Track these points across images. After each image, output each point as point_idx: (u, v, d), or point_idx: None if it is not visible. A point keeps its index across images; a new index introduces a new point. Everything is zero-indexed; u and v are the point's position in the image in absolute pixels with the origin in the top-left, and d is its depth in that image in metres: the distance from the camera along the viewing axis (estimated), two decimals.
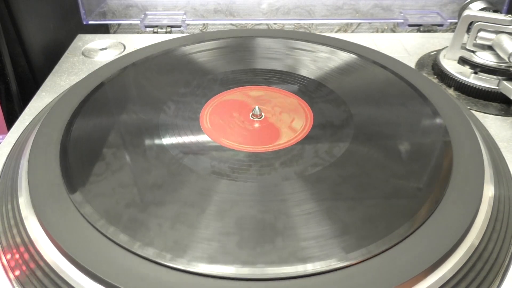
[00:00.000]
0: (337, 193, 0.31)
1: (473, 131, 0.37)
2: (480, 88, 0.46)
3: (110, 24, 0.78)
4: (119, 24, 0.79)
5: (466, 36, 0.50)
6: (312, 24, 0.79)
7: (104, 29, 0.76)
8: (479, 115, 0.44)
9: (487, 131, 0.42)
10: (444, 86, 0.49)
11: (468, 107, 0.45)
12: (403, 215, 0.29)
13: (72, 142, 0.36)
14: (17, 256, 0.29)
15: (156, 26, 0.64)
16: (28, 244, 0.29)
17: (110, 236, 0.27)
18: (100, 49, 0.57)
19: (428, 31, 0.63)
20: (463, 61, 0.49)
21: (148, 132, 0.37)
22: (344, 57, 0.48)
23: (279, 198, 0.31)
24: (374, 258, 0.26)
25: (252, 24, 0.78)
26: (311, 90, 0.43)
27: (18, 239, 0.30)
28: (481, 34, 0.48)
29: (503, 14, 0.47)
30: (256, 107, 0.39)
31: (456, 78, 0.48)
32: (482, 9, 0.50)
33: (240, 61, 0.48)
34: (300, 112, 0.40)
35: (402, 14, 0.67)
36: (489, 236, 0.30)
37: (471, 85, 0.47)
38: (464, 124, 0.38)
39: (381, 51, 0.52)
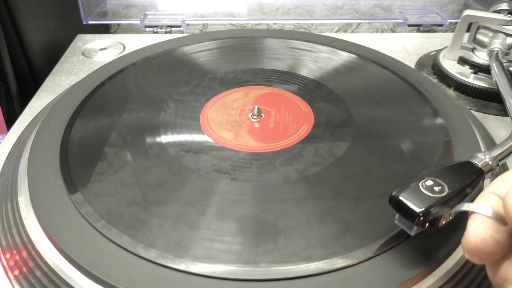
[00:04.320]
0: (338, 192, 0.31)
1: (473, 131, 0.37)
2: (480, 88, 0.46)
3: (110, 24, 0.78)
4: (119, 24, 0.79)
5: (466, 36, 0.50)
6: (312, 24, 0.79)
7: (104, 29, 0.76)
8: (479, 115, 0.44)
9: (487, 131, 0.42)
10: (444, 86, 0.49)
11: (468, 107, 0.45)
12: None
13: (72, 142, 0.35)
14: (16, 256, 0.29)
15: (156, 26, 0.64)
16: (27, 244, 0.29)
17: (110, 237, 0.27)
18: (100, 49, 0.57)
19: (428, 31, 0.63)
20: (463, 61, 0.49)
21: (149, 132, 0.37)
22: (344, 57, 0.48)
23: (280, 198, 0.31)
24: (375, 258, 0.26)
25: (252, 24, 0.78)
26: (311, 90, 0.43)
27: (17, 239, 0.30)
28: (479, 35, 0.48)
29: (503, 14, 0.47)
30: (256, 107, 0.39)
31: (456, 78, 0.48)
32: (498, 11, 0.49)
33: (240, 61, 0.48)
34: (300, 112, 0.40)
35: (402, 14, 0.67)
36: None
37: (471, 85, 0.47)
38: (464, 124, 0.38)
39: (381, 51, 0.52)
